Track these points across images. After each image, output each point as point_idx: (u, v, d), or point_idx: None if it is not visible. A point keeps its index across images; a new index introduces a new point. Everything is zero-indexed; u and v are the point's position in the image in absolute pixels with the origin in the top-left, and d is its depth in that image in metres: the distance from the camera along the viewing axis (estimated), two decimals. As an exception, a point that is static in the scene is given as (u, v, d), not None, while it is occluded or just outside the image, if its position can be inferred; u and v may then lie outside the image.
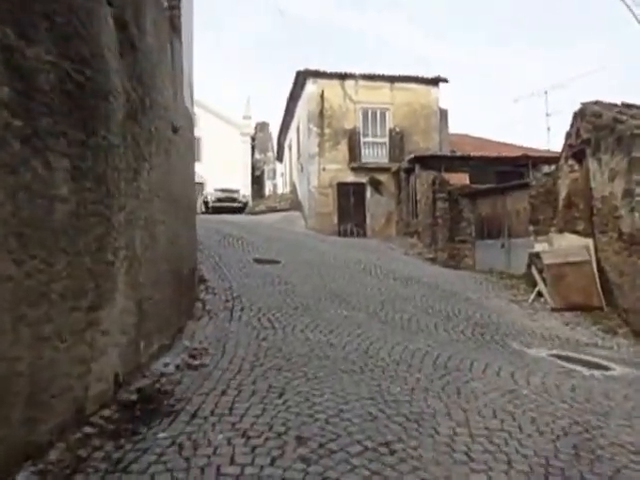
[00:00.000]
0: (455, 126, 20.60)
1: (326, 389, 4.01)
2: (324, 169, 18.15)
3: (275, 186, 36.45)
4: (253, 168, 41.58)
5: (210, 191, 30.22)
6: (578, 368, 5.60)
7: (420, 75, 18.58)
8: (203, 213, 27.40)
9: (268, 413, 3.54)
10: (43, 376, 2.84)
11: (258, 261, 10.83)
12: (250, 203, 29.82)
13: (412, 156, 16.51)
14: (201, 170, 36.04)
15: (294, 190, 24.16)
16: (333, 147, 18.23)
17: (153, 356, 4.57)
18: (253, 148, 39.60)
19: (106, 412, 3.42)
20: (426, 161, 15.98)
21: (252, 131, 37.98)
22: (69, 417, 3.09)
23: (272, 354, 4.88)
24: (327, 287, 8.89)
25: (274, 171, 37.68)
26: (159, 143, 4.78)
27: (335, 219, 18.28)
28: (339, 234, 17.96)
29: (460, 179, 16.21)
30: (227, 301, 7.30)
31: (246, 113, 37.42)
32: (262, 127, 41.26)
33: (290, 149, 25.24)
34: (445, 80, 18.71)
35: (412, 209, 17.01)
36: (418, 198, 16.17)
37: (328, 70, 18.13)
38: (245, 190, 34.25)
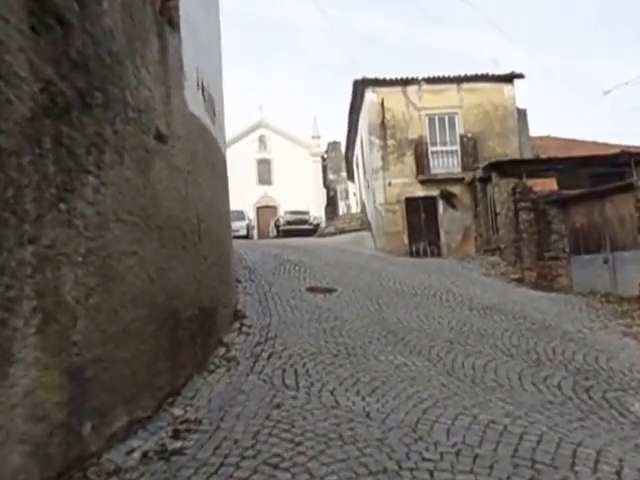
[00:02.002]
0: (536, 128, 18.22)
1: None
2: (390, 184, 16.60)
3: (348, 206, 35.27)
4: (327, 189, 40.84)
5: (281, 214, 29.60)
6: None
7: (491, 73, 16.60)
8: (275, 237, 26.76)
9: None
10: None
11: (311, 290, 9.51)
12: (322, 225, 28.82)
13: (487, 163, 14.54)
14: (273, 193, 35.98)
15: (364, 209, 22.78)
16: (398, 159, 16.66)
17: (114, 439, 3.33)
18: (325, 168, 38.90)
19: None
20: (504, 167, 13.93)
21: (322, 151, 37.29)
22: None
23: (277, 434, 3.47)
24: (384, 322, 7.35)
25: (346, 191, 36.53)
26: (122, 152, 3.62)
27: (405, 238, 16.60)
28: (410, 254, 16.25)
29: (546, 185, 14.01)
30: (258, 344, 6.01)
31: (315, 133, 36.85)
32: (334, 147, 40.32)
33: (357, 166, 23.98)
34: (520, 76, 16.57)
35: (491, 223, 14.96)
36: (497, 210, 14.14)
37: (388, 77, 16.71)
38: (318, 212, 33.40)
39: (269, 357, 5.45)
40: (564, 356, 6.09)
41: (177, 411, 4.01)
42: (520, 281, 12.91)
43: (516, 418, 3.85)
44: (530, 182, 13.40)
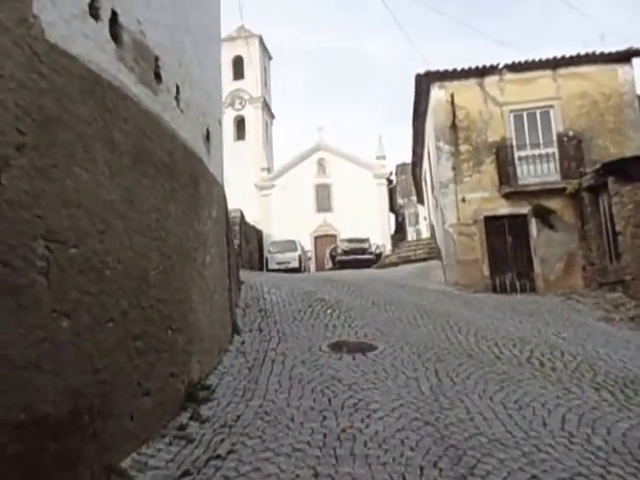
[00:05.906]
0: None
1: None
2: (464, 200, 13.40)
3: (418, 232, 32.03)
4: (396, 215, 37.79)
5: (338, 243, 26.90)
6: None
7: (598, 51, 13.13)
8: (330, 269, 24.07)
9: None
10: None
11: (337, 347, 6.63)
12: (386, 253, 25.79)
13: (601, 164, 11.02)
14: (333, 220, 33.45)
15: (433, 234, 19.59)
16: (474, 169, 13.47)
17: None
18: (393, 192, 36.02)
19: None
20: (628, 168, 10.35)
21: (387, 172, 34.47)
22: None
23: None
24: (440, 419, 4.29)
25: (416, 215, 33.31)
26: None
27: (485, 268, 13.23)
28: (493, 290, 12.89)
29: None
30: (187, 474, 3.22)
31: (379, 153, 34.11)
32: (403, 169, 37.46)
33: (425, 184, 20.88)
34: (641, 52, 12.99)
35: (608, 246, 11.33)
36: (618, 229, 10.54)
37: (459, 67, 13.71)
38: (382, 239, 30.41)
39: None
40: None
41: None
42: (660, 329, 9.23)
43: None
44: (667, 188, 9.79)
